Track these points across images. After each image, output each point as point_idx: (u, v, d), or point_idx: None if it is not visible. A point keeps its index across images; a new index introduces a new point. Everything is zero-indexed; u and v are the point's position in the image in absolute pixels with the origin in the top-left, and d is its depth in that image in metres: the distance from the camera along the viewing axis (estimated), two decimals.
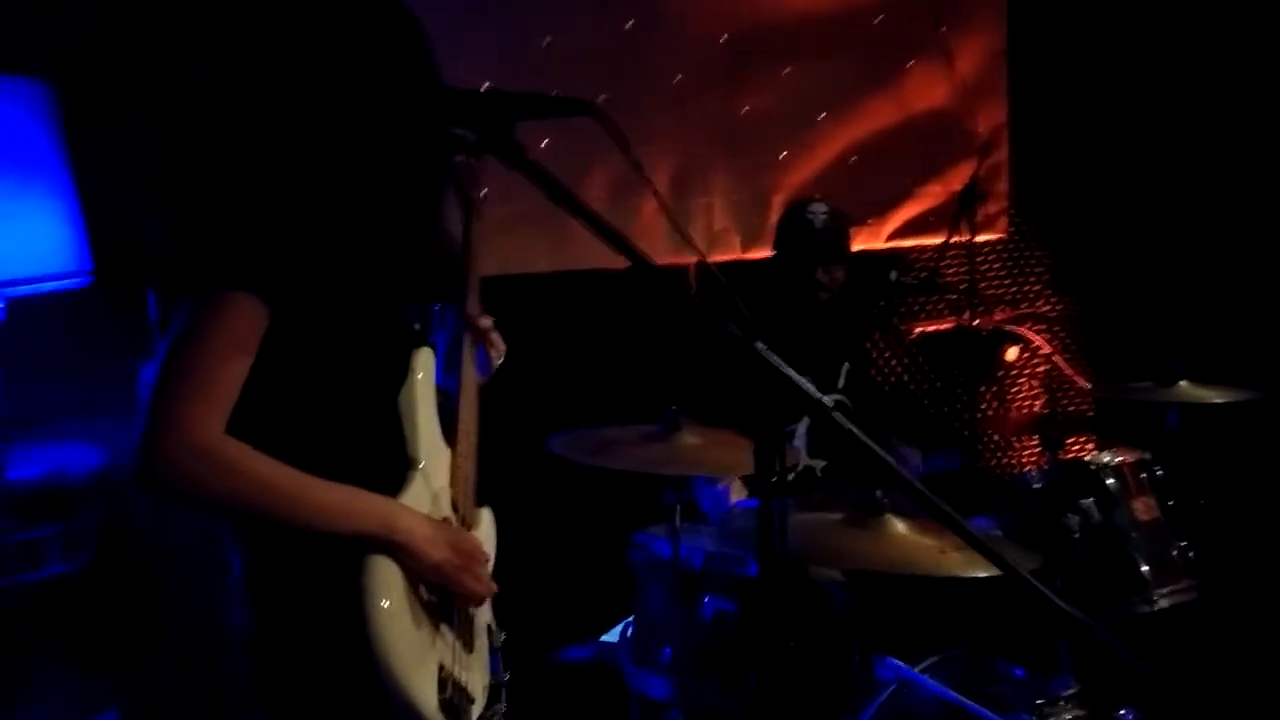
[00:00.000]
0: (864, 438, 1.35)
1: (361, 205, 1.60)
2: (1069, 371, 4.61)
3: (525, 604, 1.97)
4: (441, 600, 1.65)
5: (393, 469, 1.67)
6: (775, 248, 3.23)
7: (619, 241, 1.46)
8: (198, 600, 2.44)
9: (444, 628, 1.65)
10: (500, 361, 2.09)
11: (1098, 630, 1.39)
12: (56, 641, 2.48)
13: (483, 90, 1.47)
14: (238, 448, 1.48)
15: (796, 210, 3.22)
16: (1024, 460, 4.70)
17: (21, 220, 2.16)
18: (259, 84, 1.58)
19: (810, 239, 3.11)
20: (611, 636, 3.09)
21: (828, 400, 1.37)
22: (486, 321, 2.05)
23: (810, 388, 1.39)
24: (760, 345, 1.37)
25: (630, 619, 2.88)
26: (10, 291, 2.28)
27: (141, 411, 1.46)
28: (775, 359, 1.39)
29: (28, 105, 2.21)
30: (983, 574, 2.09)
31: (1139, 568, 2.49)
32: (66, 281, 2.32)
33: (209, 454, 1.46)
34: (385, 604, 1.52)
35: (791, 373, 1.39)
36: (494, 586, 1.69)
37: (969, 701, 2.44)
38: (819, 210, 3.15)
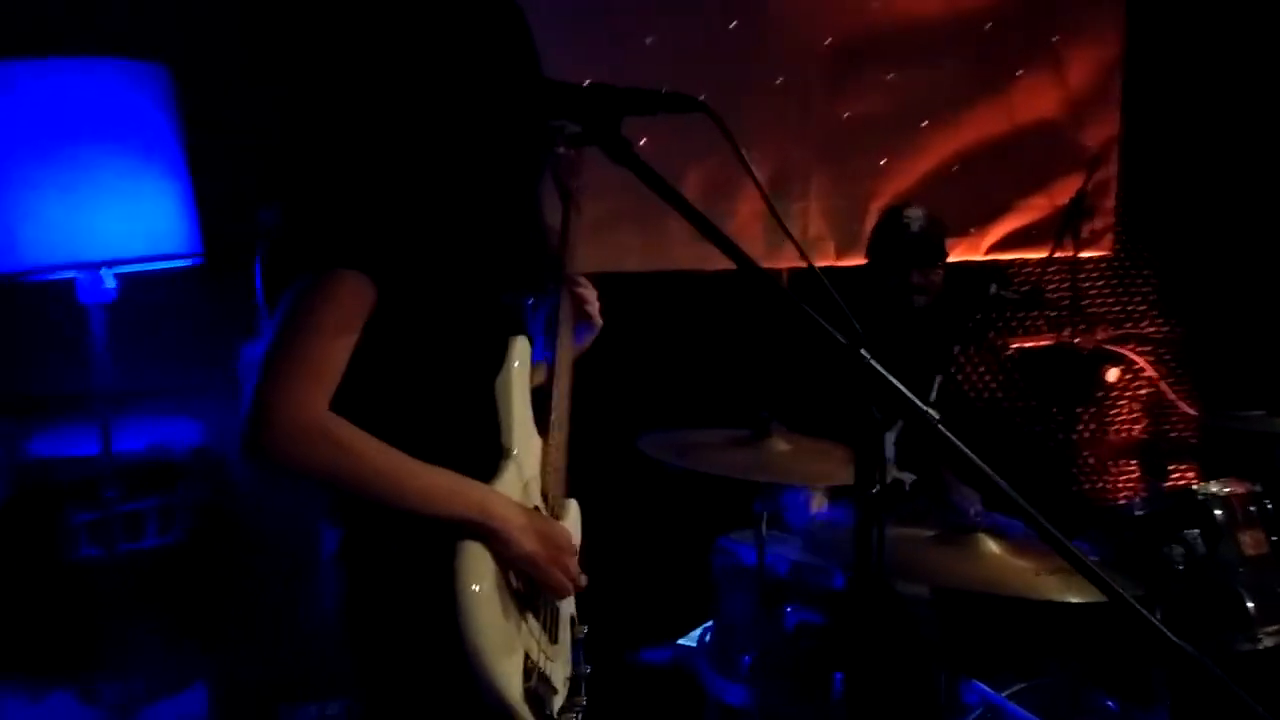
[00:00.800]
0: (968, 452, 1.32)
1: (466, 192, 1.62)
2: (1172, 396, 4.45)
3: (604, 601, 1.96)
4: (529, 589, 1.65)
5: (487, 456, 1.68)
6: (869, 254, 3.18)
7: (724, 241, 1.44)
8: (288, 579, 2.48)
9: (530, 617, 1.65)
10: (596, 333, 2.07)
11: (1208, 665, 1.33)
12: (151, 613, 2.54)
13: (590, 84, 1.46)
14: (343, 425, 1.50)
15: (892, 214, 3.17)
16: (1119, 485, 4.56)
17: (137, 200, 2.21)
18: (371, 72, 1.60)
19: (906, 240, 3.06)
20: (689, 640, 3.07)
21: (933, 414, 1.33)
22: (589, 292, 2.04)
23: (912, 398, 1.36)
24: (865, 353, 1.34)
25: (709, 624, 2.85)
26: (124, 269, 2.34)
27: (250, 386, 1.48)
28: (879, 368, 1.36)
29: (147, 88, 2.27)
30: (1077, 599, 2.03)
31: (1244, 604, 2.38)
32: (177, 262, 2.37)
33: (315, 430, 1.48)
34: (476, 588, 1.52)
35: (896, 382, 1.36)
36: (582, 580, 1.69)
37: None
38: (915, 214, 3.11)
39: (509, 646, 1.57)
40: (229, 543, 2.73)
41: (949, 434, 1.32)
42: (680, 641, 3.11)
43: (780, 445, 2.29)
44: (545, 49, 1.63)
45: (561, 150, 2.07)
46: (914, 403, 1.35)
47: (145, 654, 2.49)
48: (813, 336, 1.36)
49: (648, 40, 3.44)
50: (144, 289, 2.46)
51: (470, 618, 1.50)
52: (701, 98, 1.47)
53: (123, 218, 2.20)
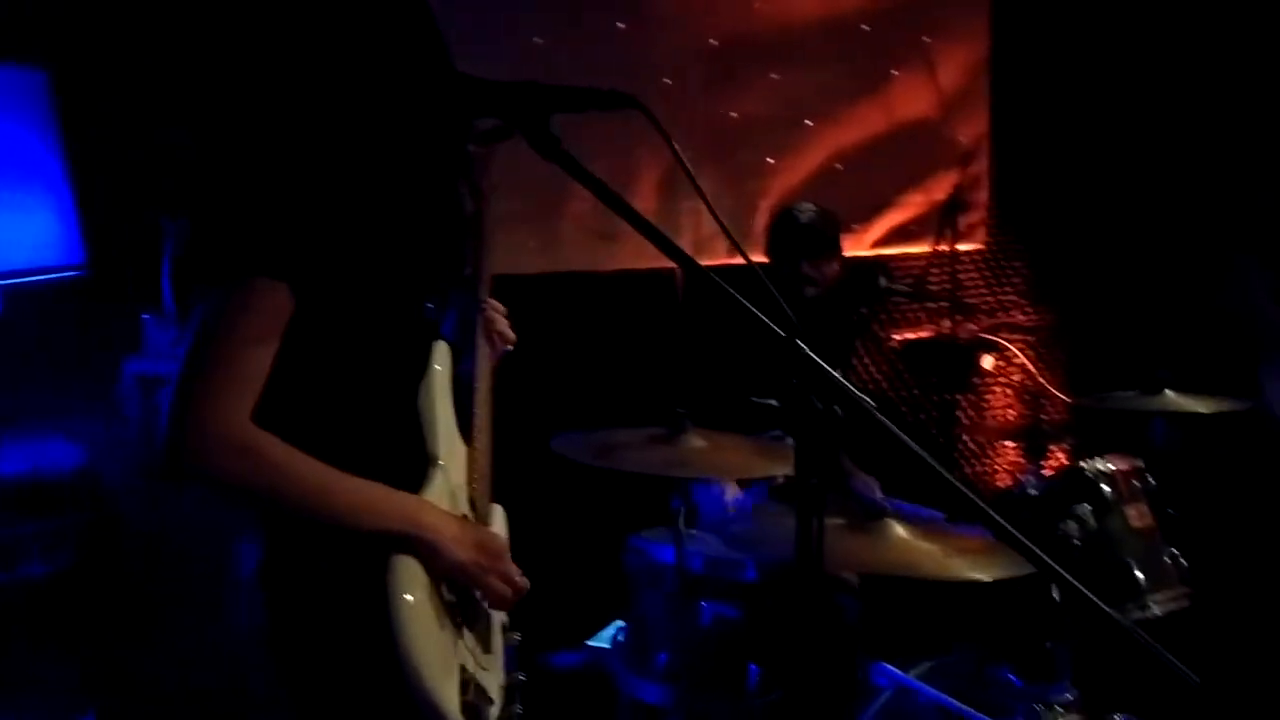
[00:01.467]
0: (908, 440, 1.35)
1: (384, 194, 1.58)
2: (1042, 381, 4.66)
3: (517, 607, 1.95)
4: (462, 599, 1.62)
5: (413, 465, 1.64)
6: (766, 253, 3.24)
7: (660, 238, 1.44)
8: (193, 601, 2.38)
9: (464, 628, 1.62)
10: (508, 349, 2.07)
11: (1139, 635, 1.39)
12: (37, 643, 2.40)
13: (520, 81, 1.44)
14: (266, 439, 1.46)
15: (785, 210, 3.25)
16: (998, 468, 4.75)
17: (15, 211, 2.09)
18: (278, 73, 1.56)
19: (794, 231, 3.13)
20: (601, 641, 3.06)
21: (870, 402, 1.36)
22: (498, 312, 2.03)
23: (849, 387, 1.38)
24: (803, 345, 1.36)
25: (621, 624, 2.85)
26: (2, 283, 2.21)
27: (169, 400, 1.43)
28: (817, 359, 1.37)
29: (24, 95, 2.14)
30: (986, 577, 2.10)
31: (1134, 574, 2.50)
32: (59, 274, 2.25)
33: (237, 444, 1.43)
34: (410, 601, 1.48)
35: (833, 373, 1.38)
36: (523, 585, 1.66)
37: (967, 708, 2.43)
38: (806, 207, 3.20)
39: (445, 660, 1.54)
40: (119, 567, 2.60)
41: (887, 422, 1.35)
42: (591, 643, 3.09)
43: (696, 441, 2.30)
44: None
45: (472, 148, 2.05)
46: (852, 392, 1.37)
47: (32, 685, 2.36)
48: (745, 330, 1.37)
49: (536, 40, 3.42)
50: (21, 304, 2.33)
51: (405, 632, 1.46)
52: None
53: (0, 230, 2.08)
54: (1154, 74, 4.34)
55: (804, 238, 3.14)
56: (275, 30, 1.56)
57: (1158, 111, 4.32)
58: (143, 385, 2.50)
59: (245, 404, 1.45)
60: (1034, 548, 1.39)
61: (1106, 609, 1.34)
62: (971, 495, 1.35)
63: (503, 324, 2.06)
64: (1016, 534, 1.38)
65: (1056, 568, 1.38)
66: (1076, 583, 1.38)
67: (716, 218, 1.52)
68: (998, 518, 1.34)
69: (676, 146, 1.46)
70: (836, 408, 1.33)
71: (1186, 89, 4.25)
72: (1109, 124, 4.41)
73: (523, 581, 1.65)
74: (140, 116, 2.33)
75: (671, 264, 3.60)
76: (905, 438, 1.35)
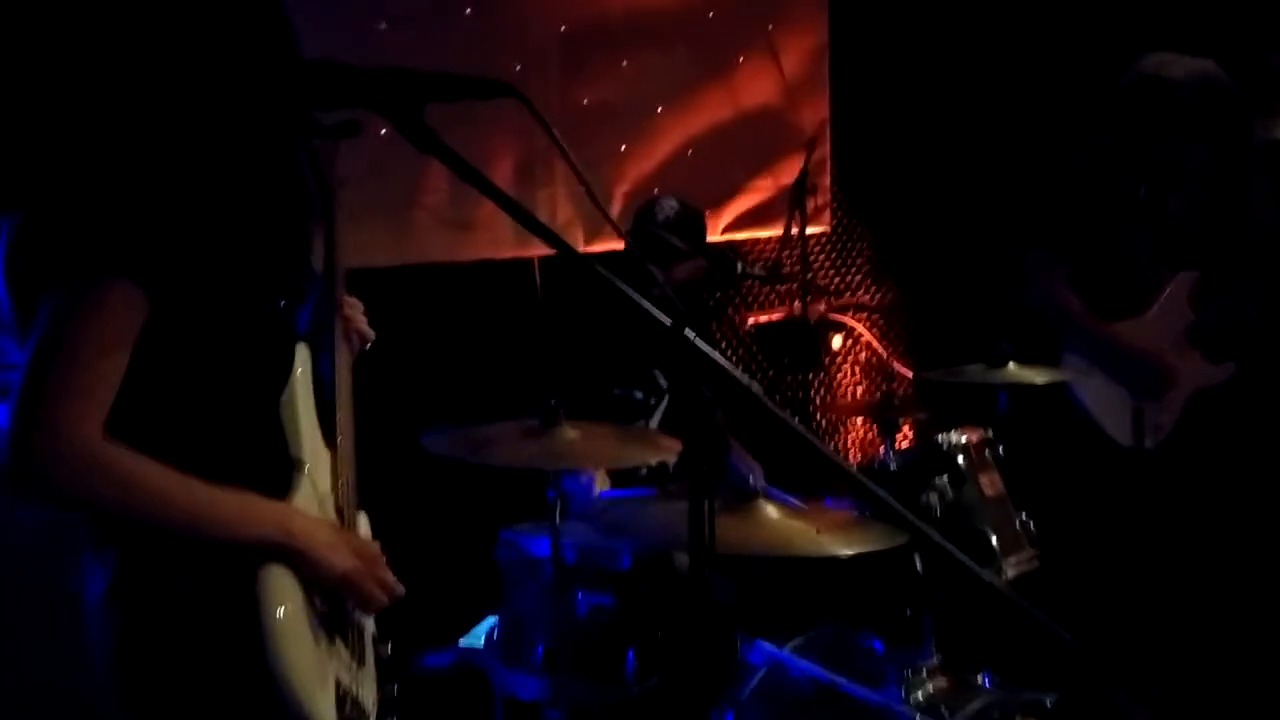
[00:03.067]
0: (796, 425, 1.38)
1: (228, 189, 1.52)
2: (887, 357, 4.83)
3: (389, 610, 1.90)
4: (333, 610, 1.57)
5: (278, 472, 1.58)
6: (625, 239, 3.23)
7: (538, 226, 1.43)
8: (28, 629, 2.22)
9: (338, 640, 1.57)
10: (365, 348, 2.01)
11: (1014, 597, 1.46)
12: None
13: (388, 69, 1.39)
14: (120, 451, 1.38)
15: (648, 204, 3.25)
16: (850, 444, 4.90)
17: None
18: (119, 64, 1.47)
19: (645, 231, 3.13)
20: (473, 640, 3.02)
21: (755, 386, 1.38)
22: (355, 309, 1.97)
23: (737, 374, 1.40)
24: (690, 333, 1.37)
25: (493, 621, 2.81)
26: None
27: (12, 408, 1.34)
28: (705, 346, 1.38)
29: None
30: (852, 552, 2.16)
31: (989, 540, 2.63)
32: None
33: (89, 456, 1.35)
34: (283, 615, 1.43)
35: (721, 360, 1.39)
36: (399, 590, 1.62)
37: (840, 678, 2.51)
38: (666, 205, 3.20)
39: (321, 675, 1.48)
40: None
41: (774, 407, 1.38)
42: (463, 642, 3.05)
43: (570, 432, 2.28)
44: None
45: (317, 142, 1.98)
46: (737, 377, 1.39)
47: None
48: (627, 318, 1.36)
49: (381, 26, 3.32)
50: None
51: (279, 647, 1.41)
52: None
53: None
54: (986, 59, 4.53)
55: (652, 242, 3.12)
56: (116, 21, 1.47)
57: (992, 96, 4.51)
58: None
59: (96, 414, 1.36)
60: (911, 517, 1.44)
61: (986, 575, 1.41)
62: (855, 473, 1.39)
63: (360, 320, 2.01)
64: (898, 506, 1.42)
65: (936, 536, 1.44)
66: (956, 550, 1.44)
67: (597, 204, 1.52)
68: (880, 492, 1.39)
69: (556, 133, 1.45)
70: (705, 389, 1.34)
71: (1017, 74, 4.45)
72: (945, 108, 4.59)
73: (398, 586, 1.61)
74: None
75: (530, 253, 3.57)
76: (791, 421, 1.38)
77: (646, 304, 1.36)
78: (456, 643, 3.06)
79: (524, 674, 2.63)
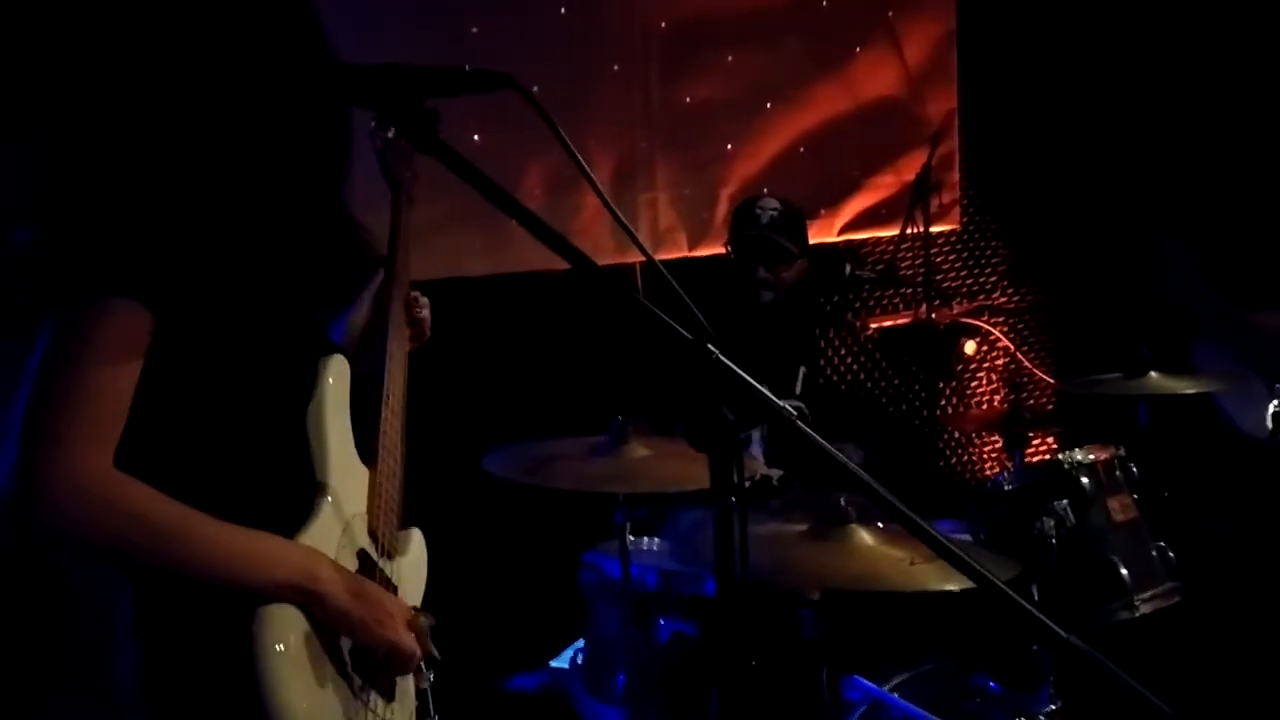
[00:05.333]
0: (825, 445, 1.21)
1: (251, 199, 1.43)
2: (1028, 364, 4.50)
3: (467, 631, 1.81)
4: (355, 648, 1.46)
5: (298, 497, 1.49)
6: (727, 245, 3.10)
7: (552, 236, 1.30)
8: (74, 656, 2.21)
9: (357, 677, 1.46)
10: (418, 344, 1.91)
11: (1083, 649, 1.24)
12: None
13: (384, 64, 1.29)
14: (132, 487, 1.30)
15: (747, 206, 3.10)
16: (984, 458, 4.59)
17: None
18: (134, 67, 1.41)
19: (752, 235, 2.98)
20: (561, 661, 2.91)
21: (789, 407, 1.21)
22: (421, 306, 1.89)
23: (767, 393, 1.24)
24: (713, 349, 1.21)
25: (580, 643, 2.70)
26: None
27: (15, 441, 1.26)
28: (730, 364, 1.23)
29: None
30: (954, 588, 1.95)
31: (1119, 571, 2.35)
32: None
33: (100, 497, 1.27)
34: (281, 652, 1.34)
35: (747, 378, 1.24)
36: (419, 653, 1.50)
37: None
38: (768, 206, 3.03)
39: (327, 715, 1.38)
40: (39, 601, 2.43)
41: (807, 429, 1.21)
42: (552, 664, 2.94)
43: (639, 450, 2.14)
44: (361, 43, 1.47)
45: (390, 135, 1.91)
46: (769, 399, 1.23)
47: None
48: (661, 334, 1.23)
49: (473, 30, 3.25)
50: None
51: (274, 685, 1.32)
52: (535, 89, 1.33)
53: None
54: (1124, 41, 4.18)
55: (758, 244, 2.99)
56: (125, 32, 1.41)
57: (1130, 80, 4.17)
58: None
59: (103, 444, 1.29)
60: (963, 556, 1.25)
61: (1041, 616, 1.20)
62: (895, 502, 1.21)
63: (426, 316, 1.91)
64: (945, 541, 1.24)
65: (988, 576, 1.24)
66: (1011, 591, 1.25)
67: (610, 208, 1.37)
68: (924, 523, 1.21)
69: (563, 133, 1.32)
70: (725, 410, 1.18)
71: (1156, 56, 4.09)
72: (1082, 96, 4.26)
73: (416, 651, 1.48)
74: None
75: (630, 259, 3.44)
76: (825, 444, 1.21)
77: (665, 318, 1.22)
78: (546, 664, 2.97)
79: (605, 703, 2.51)
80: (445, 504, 1.81)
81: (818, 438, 1.20)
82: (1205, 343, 3.10)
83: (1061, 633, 1.20)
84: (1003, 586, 1.22)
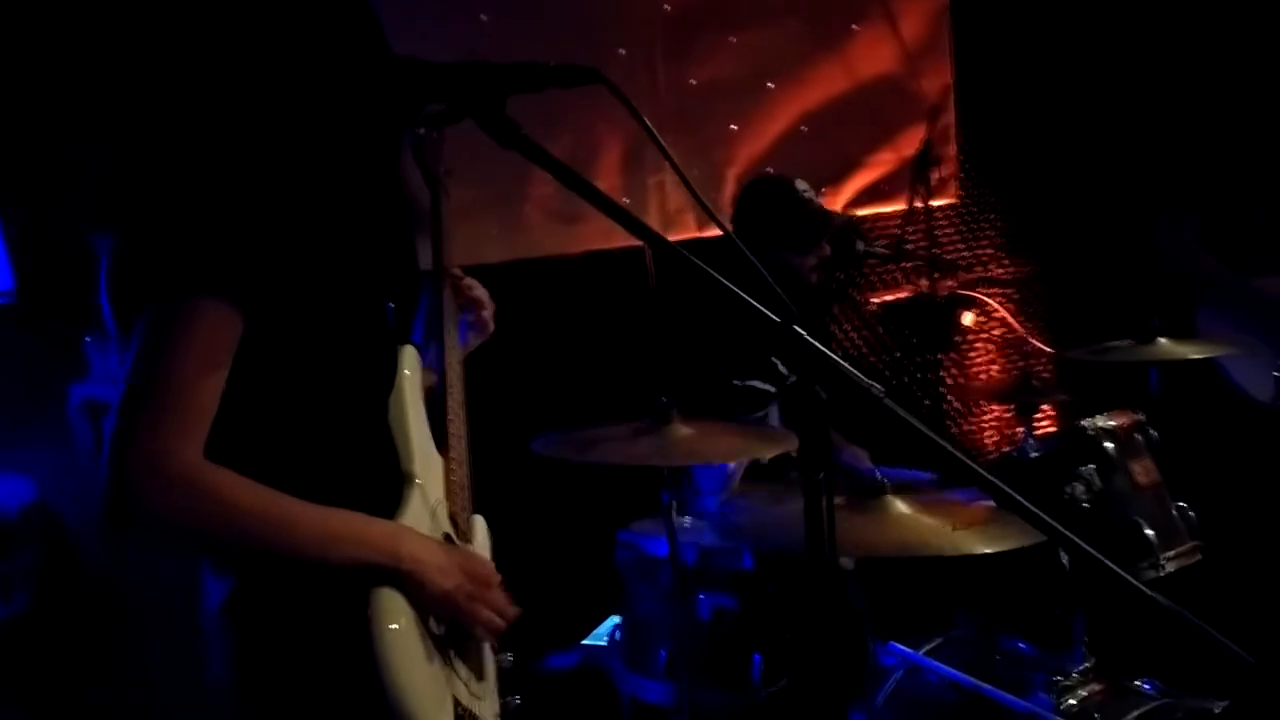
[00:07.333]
0: (918, 425, 1.25)
1: (326, 194, 1.47)
2: (1024, 333, 4.57)
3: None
4: (451, 627, 1.50)
5: (388, 485, 1.53)
6: (754, 228, 3.05)
7: (633, 222, 1.32)
8: (161, 641, 2.24)
9: (454, 657, 1.51)
10: (491, 327, 1.95)
11: (1167, 605, 1.30)
12: None
13: (466, 62, 1.32)
14: (221, 474, 1.33)
15: (777, 188, 3.09)
16: (983, 428, 4.67)
17: None
18: (204, 76, 1.43)
19: (810, 215, 3.00)
20: (597, 639, 2.96)
21: (878, 388, 1.25)
22: (476, 289, 1.92)
23: (854, 372, 1.28)
24: (801, 330, 1.26)
25: (617, 621, 2.74)
26: None
27: (109, 440, 1.30)
28: (816, 344, 1.27)
29: None
30: (992, 550, 2.00)
31: (1144, 532, 2.42)
32: None
33: (191, 484, 1.31)
34: (395, 632, 1.37)
35: (833, 356, 1.28)
36: (513, 613, 1.55)
37: (983, 683, 2.35)
38: (802, 186, 3.06)
39: (437, 696, 1.43)
40: (80, 608, 2.45)
41: (896, 407, 1.25)
42: (586, 642, 2.99)
43: (682, 430, 2.18)
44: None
45: (422, 131, 1.93)
46: (855, 376, 1.27)
47: None
48: (746, 314, 1.26)
49: (483, 18, 3.26)
50: None
51: (392, 667, 1.35)
52: None
53: None
54: (1118, 13, 4.23)
55: (820, 222, 2.98)
56: (198, 32, 1.43)
57: (1123, 49, 4.22)
58: (91, 411, 2.36)
59: (195, 437, 1.32)
60: (1049, 520, 1.30)
61: (1134, 581, 1.26)
62: (980, 470, 1.26)
63: (482, 294, 1.94)
64: (1031, 507, 1.28)
65: (1076, 540, 1.29)
66: (1102, 556, 1.30)
67: (693, 192, 1.40)
68: (1010, 492, 1.26)
69: (645, 119, 1.35)
70: (819, 389, 1.22)
71: (1151, 28, 4.15)
72: (1075, 67, 4.31)
73: (512, 609, 1.53)
74: (54, 130, 2.17)
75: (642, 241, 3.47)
76: (915, 421, 1.25)
77: (752, 301, 1.26)
78: (579, 643, 3.01)
79: (648, 678, 2.55)
80: (488, 487, 1.85)
81: (906, 414, 1.25)
82: (1208, 309, 3.16)
83: (1145, 590, 1.26)
84: (1092, 551, 1.26)
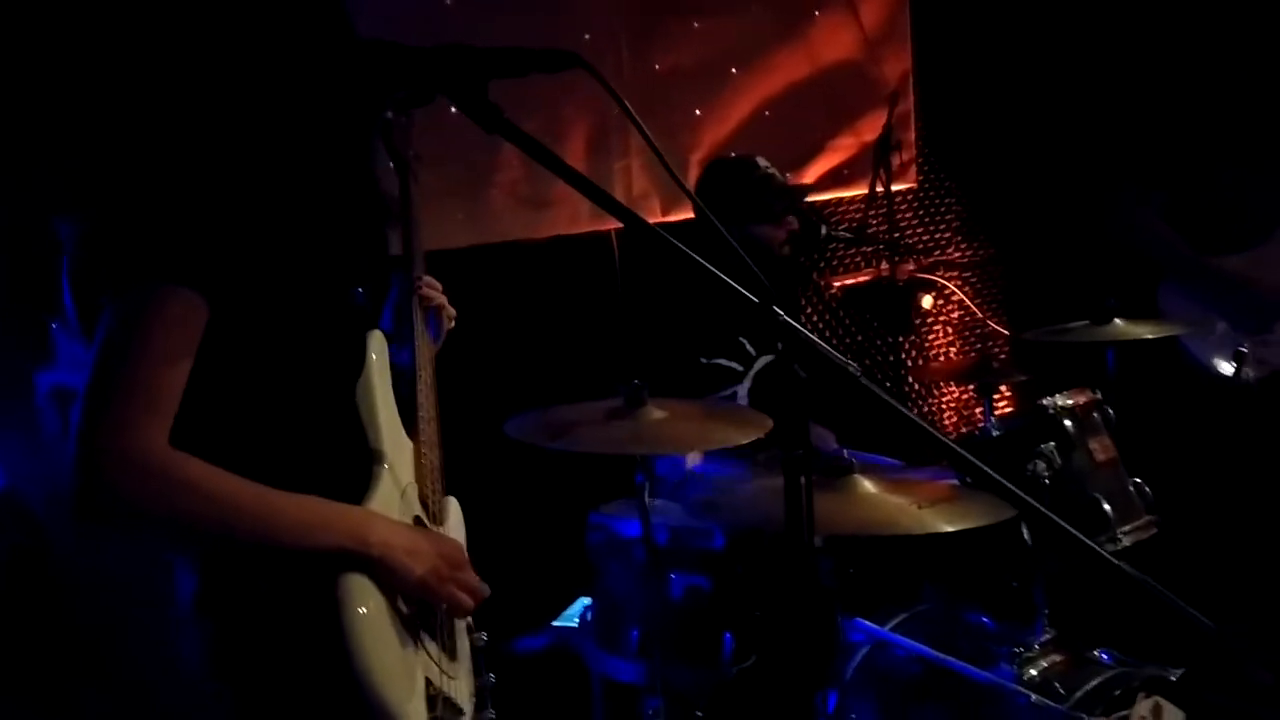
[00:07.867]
0: (894, 403, 1.29)
1: (294, 180, 1.46)
2: (982, 315, 4.65)
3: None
4: (421, 607, 1.52)
5: (357, 468, 1.53)
6: (715, 205, 3.09)
7: (611, 203, 1.36)
8: (135, 631, 2.23)
9: (426, 638, 1.53)
10: (451, 327, 1.98)
11: (1134, 575, 1.35)
12: None
13: (448, 45, 1.33)
14: (188, 461, 1.33)
15: (739, 165, 3.13)
16: (943, 408, 4.74)
17: None
18: (173, 65, 1.42)
19: (776, 189, 3.05)
20: (567, 620, 2.98)
21: (854, 366, 1.29)
22: (434, 289, 1.94)
23: (831, 351, 1.32)
24: (779, 310, 1.29)
25: (587, 603, 2.77)
26: None
27: (76, 430, 1.30)
28: (794, 324, 1.30)
29: None
30: (956, 527, 2.05)
31: (1102, 507, 2.48)
32: None
33: (157, 471, 1.30)
34: (363, 615, 1.38)
35: (812, 337, 1.31)
36: (484, 592, 1.56)
37: (947, 657, 2.40)
38: (764, 164, 3.10)
39: (408, 675, 1.44)
40: (49, 598, 2.44)
41: (873, 386, 1.29)
42: (556, 623, 3.01)
43: (656, 413, 2.21)
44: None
45: (390, 116, 1.93)
46: (832, 355, 1.31)
47: None
48: (725, 295, 1.28)
49: (447, 1, 3.25)
50: None
51: (361, 649, 1.36)
52: None
53: None
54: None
55: (787, 194, 3.03)
56: (163, 17, 1.42)
57: (1082, 36, 4.29)
58: (59, 398, 2.34)
59: (161, 424, 1.32)
60: (1022, 494, 1.35)
61: (1103, 552, 1.31)
62: (956, 447, 1.30)
63: (441, 299, 1.96)
64: (1005, 482, 1.33)
65: (1048, 513, 1.34)
66: (1068, 527, 1.35)
67: (673, 175, 1.43)
68: (986, 468, 1.30)
69: (626, 103, 1.37)
70: (797, 367, 1.26)
71: (1107, 11, 4.21)
72: (1034, 54, 4.38)
73: (483, 588, 1.55)
74: (16, 117, 2.15)
75: (607, 227, 3.49)
76: (891, 400, 1.29)
77: (731, 281, 1.28)
78: (549, 625, 3.03)
79: (619, 658, 2.58)
80: (467, 469, 1.86)
81: (883, 393, 1.28)
82: (1170, 286, 3.21)
83: (1123, 566, 1.31)
84: (1062, 524, 1.31)
